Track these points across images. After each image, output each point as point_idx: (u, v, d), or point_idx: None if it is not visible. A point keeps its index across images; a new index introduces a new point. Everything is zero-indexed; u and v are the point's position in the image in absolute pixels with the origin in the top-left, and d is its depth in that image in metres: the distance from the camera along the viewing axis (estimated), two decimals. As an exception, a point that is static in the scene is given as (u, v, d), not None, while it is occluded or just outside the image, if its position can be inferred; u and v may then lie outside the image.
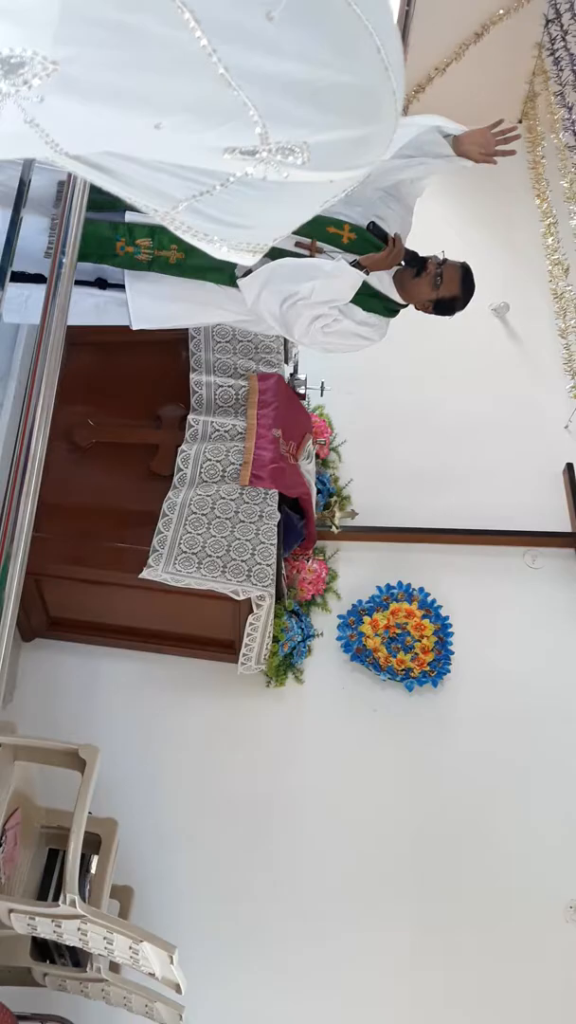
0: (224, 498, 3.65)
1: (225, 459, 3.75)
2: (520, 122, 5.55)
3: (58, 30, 0.92)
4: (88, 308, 3.28)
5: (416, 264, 3.23)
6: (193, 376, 3.93)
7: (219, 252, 1.19)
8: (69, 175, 2.60)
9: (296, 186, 1.09)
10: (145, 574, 3.48)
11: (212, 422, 3.84)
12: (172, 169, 1.08)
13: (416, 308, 3.35)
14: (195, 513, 3.62)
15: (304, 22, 0.97)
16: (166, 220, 1.15)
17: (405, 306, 3.36)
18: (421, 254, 3.24)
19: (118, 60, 0.95)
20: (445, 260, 3.24)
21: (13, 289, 3.07)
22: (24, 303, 3.15)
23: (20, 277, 3.08)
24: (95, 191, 2.75)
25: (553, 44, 5.04)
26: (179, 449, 3.77)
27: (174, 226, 1.15)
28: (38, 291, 2.95)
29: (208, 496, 3.65)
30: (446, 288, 3.24)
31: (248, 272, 3.15)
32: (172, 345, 3.94)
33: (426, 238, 3.35)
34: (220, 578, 3.50)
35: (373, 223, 3.18)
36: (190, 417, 3.85)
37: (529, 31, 5.23)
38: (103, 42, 0.94)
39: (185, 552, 3.53)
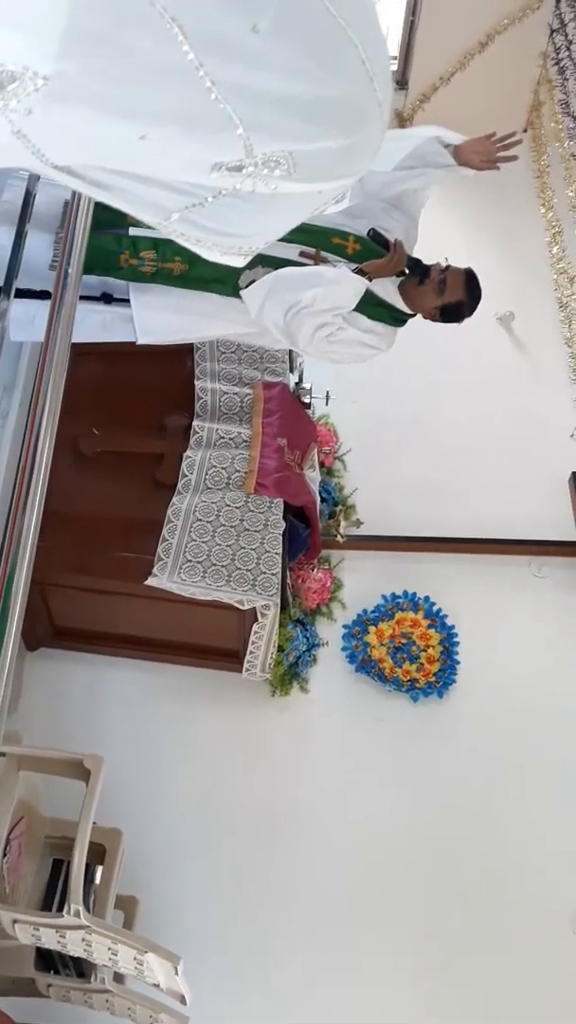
0: (229, 506, 3.65)
1: (230, 466, 3.75)
2: (525, 131, 5.55)
3: (60, 44, 0.93)
4: (95, 324, 3.28)
5: (419, 271, 3.22)
6: (198, 383, 3.93)
7: (211, 255, 1.21)
8: (74, 191, 2.61)
9: (285, 197, 1.11)
10: (150, 583, 3.48)
11: (217, 429, 3.84)
12: (164, 181, 1.09)
13: (424, 317, 3.33)
14: (200, 520, 3.62)
15: (289, 35, 0.98)
16: (159, 227, 1.17)
17: (413, 315, 3.34)
18: (425, 262, 3.24)
19: (108, 74, 0.96)
20: (448, 266, 3.23)
21: (19, 307, 3.07)
22: (31, 321, 3.15)
23: (26, 294, 3.08)
24: (100, 208, 2.76)
25: (558, 54, 5.06)
26: (184, 455, 3.77)
27: (166, 232, 1.17)
28: (44, 309, 2.95)
29: (213, 503, 3.65)
30: (451, 293, 3.22)
31: (252, 283, 3.15)
32: (177, 354, 3.93)
33: (431, 248, 3.34)
34: (225, 587, 3.50)
35: (374, 229, 3.17)
36: (195, 423, 3.85)
37: (534, 41, 5.24)
38: (97, 56, 0.94)
39: (190, 561, 3.53)
